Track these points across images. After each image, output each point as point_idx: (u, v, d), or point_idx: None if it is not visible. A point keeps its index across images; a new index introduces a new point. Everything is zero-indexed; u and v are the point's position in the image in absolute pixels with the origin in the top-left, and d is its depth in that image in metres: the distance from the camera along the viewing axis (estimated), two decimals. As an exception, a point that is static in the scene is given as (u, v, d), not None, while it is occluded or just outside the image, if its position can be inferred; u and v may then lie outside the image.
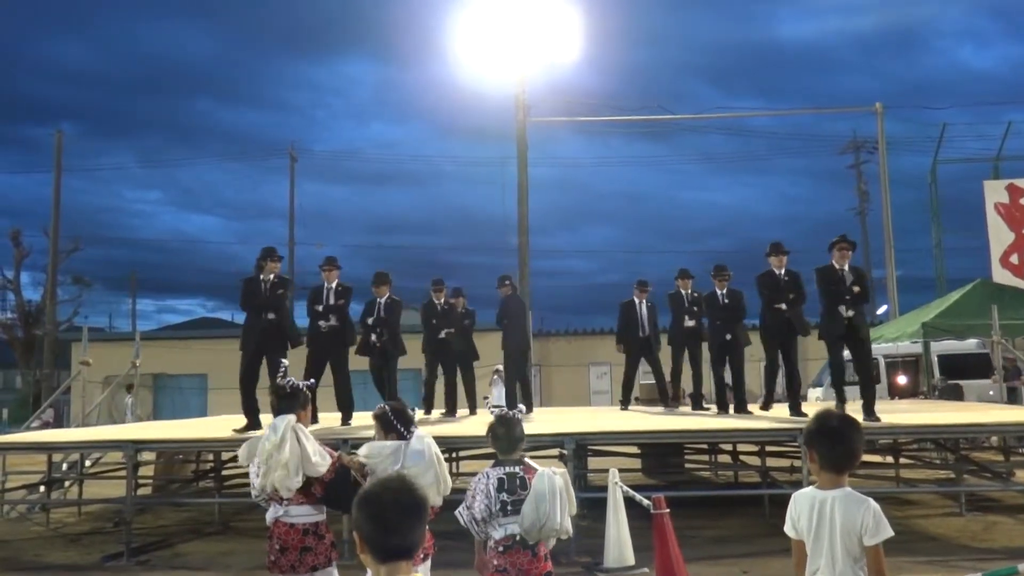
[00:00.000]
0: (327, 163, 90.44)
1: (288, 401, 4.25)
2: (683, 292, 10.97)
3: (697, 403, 11.06)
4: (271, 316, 8.58)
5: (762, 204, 77.95)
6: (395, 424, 4.12)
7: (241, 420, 8.94)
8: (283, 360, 4.72)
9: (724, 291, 10.12)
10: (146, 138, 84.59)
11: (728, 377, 10.32)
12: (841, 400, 8.65)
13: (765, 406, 10.03)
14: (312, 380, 5.39)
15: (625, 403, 11.98)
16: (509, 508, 3.75)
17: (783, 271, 9.20)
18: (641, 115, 25.38)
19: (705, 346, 10.65)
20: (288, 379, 4.35)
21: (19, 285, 34.42)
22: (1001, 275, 19.48)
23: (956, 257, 23.25)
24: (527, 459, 3.95)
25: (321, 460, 4.07)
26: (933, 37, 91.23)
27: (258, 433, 4.80)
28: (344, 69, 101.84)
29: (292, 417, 4.14)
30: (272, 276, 8.69)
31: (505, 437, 3.94)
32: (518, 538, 3.71)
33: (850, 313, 8.32)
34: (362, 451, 4.10)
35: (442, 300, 10.73)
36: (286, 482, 3.99)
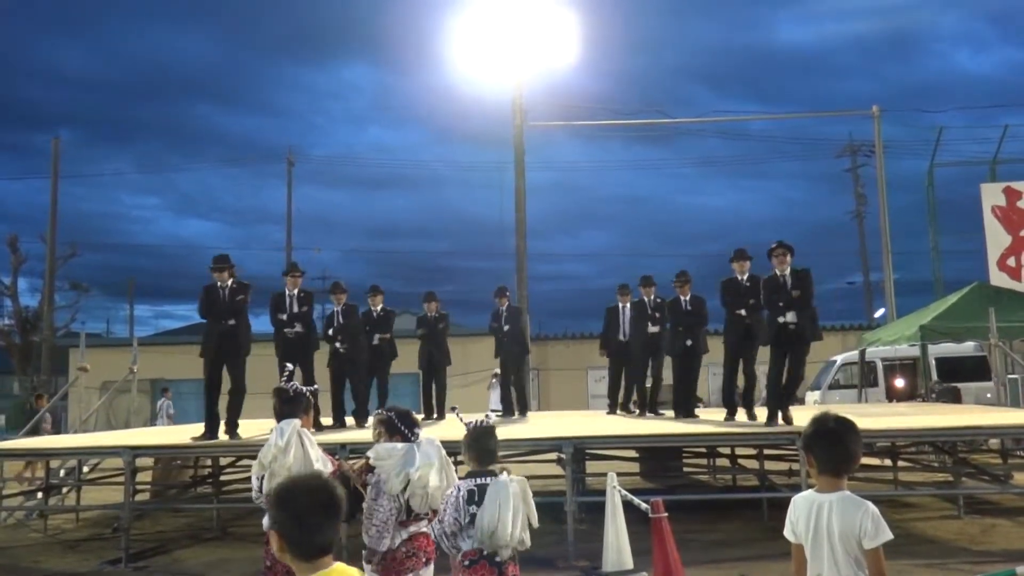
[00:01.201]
0: (325, 168, 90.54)
1: (291, 405, 4.25)
2: (645, 299, 11.03)
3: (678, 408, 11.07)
4: (231, 322, 8.58)
5: (760, 207, 78.12)
6: (400, 427, 4.12)
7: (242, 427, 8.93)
8: (288, 364, 4.74)
9: (687, 297, 10.23)
10: (144, 144, 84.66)
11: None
12: (776, 410, 8.68)
13: (730, 416, 9.74)
14: (316, 386, 5.39)
15: (612, 408, 12.10)
16: None
17: (745, 277, 9.25)
18: (639, 119, 25.44)
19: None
20: (292, 383, 4.37)
21: (16, 291, 34.37)
22: (998, 278, 19.49)
23: (953, 260, 23.27)
24: (501, 471, 3.85)
25: (323, 467, 4.08)
26: (930, 41, 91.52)
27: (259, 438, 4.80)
28: (342, 74, 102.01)
29: (297, 421, 4.15)
30: (231, 282, 8.65)
31: (479, 448, 3.82)
32: (484, 552, 3.62)
33: (791, 318, 8.32)
34: (371, 453, 4.10)
35: (379, 307, 10.65)
36: (288, 485, 3.99)
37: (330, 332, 9.89)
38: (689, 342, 10.14)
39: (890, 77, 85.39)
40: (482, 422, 3.90)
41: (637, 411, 11.71)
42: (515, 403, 11.78)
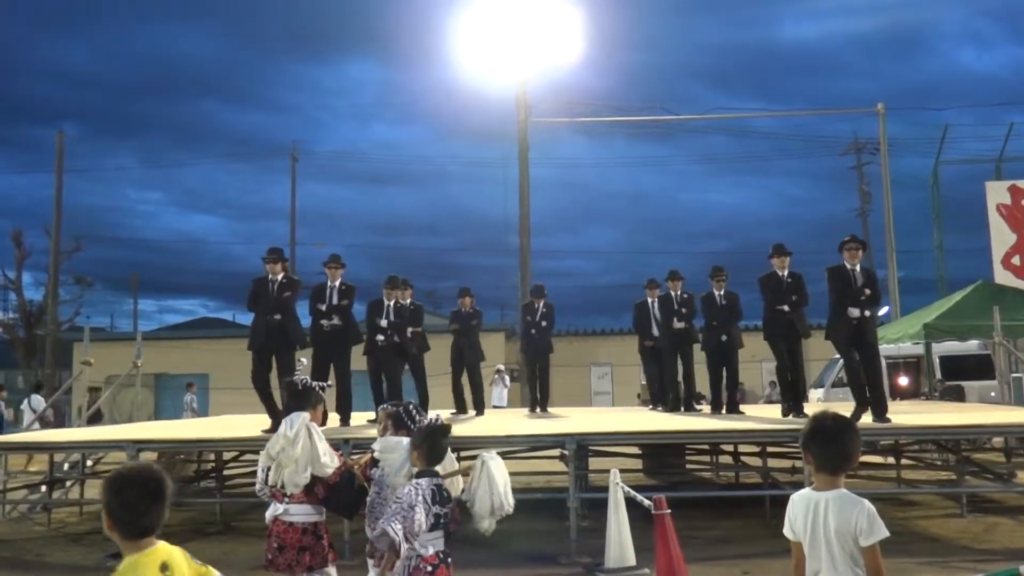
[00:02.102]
0: (329, 164, 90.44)
1: (299, 399, 4.27)
2: (672, 294, 10.95)
3: (688, 404, 11.05)
4: (277, 317, 8.55)
5: (764, 205, 77.93)
6: (407, 422, 4.14)
7: (242, 421, 8.95)
8: (302, 359, 4.76)
9: (721, 292, 10.17)
10: (149, 139, 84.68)
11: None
12: (862, 403, 8.27)
13: (791, 410, 9.29)
14: (330, 383, 5.41)
15: (654, 403, 12.09)
16: (442, 520, 3.61)
17: (786, 272, 9.20)
18: (643, 116, 25.39)
19: (697, 347, 10.69)
20: (302, 377, 4.38)
21: (21, 285, 34.42)
22: (1003, 276, 19.47)
23: (957, 258, 23.25)
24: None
25: (330, 461, 4.10)
26: (935, 39, 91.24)
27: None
28: (347, 70, 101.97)
29: (307, 415, 4.17)
30: (280, 276, 8.62)
31: (431, 447, 3.75)
32: (442, 555, 3.60)
33: (863, 314, 8.25)
34: (376, 446, 4.11)
35: (408, 301, 10.56)
36: (294, 478, 4.02)
37: (383, 324, 9.66)
38: (724, 337, 10.07)
39: (895, 75, 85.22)
40: (436, 420, 3.88)
41: (660, 407, 11.64)
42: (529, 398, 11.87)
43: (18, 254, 33.58)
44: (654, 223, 77.39)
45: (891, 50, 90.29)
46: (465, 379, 11.33)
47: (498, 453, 4.08)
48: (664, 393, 11.64)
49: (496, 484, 3.70)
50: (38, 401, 16.68)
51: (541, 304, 11.55)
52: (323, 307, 9.03)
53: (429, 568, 3.54)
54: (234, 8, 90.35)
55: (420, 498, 3.53)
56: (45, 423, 15.35)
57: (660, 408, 11.76)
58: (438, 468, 3.77)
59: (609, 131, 29.09)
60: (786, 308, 9.06)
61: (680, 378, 11.14)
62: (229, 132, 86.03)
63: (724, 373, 10.33)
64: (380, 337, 9.64)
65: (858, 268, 8.35)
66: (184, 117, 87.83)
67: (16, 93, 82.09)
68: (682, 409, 11.11)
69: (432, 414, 4.01)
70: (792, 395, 9.39)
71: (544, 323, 11.48)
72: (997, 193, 20.39)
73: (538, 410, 11.68)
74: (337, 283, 9.16)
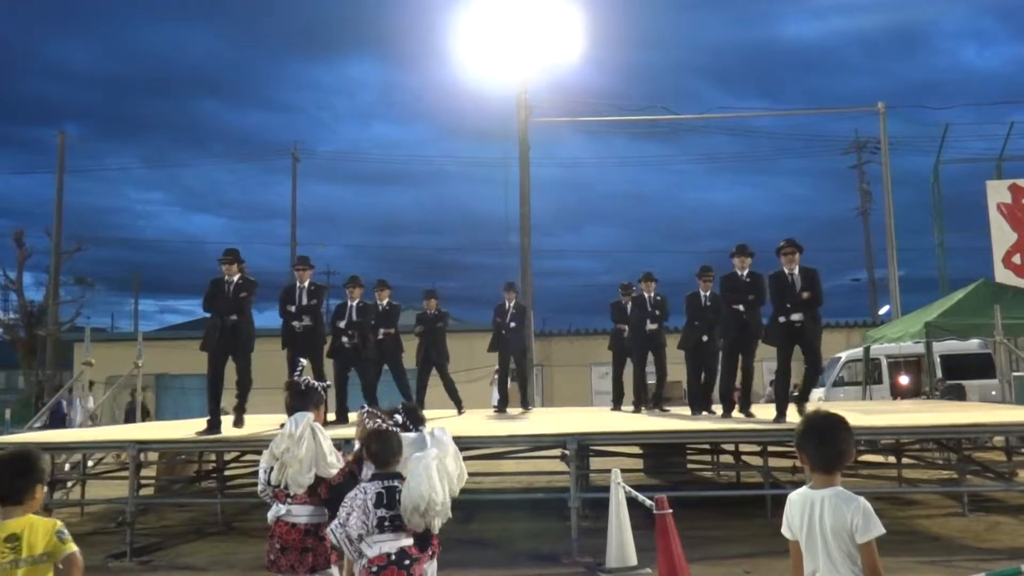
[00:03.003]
0: (330, 164, 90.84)
1: (301, 399, 4.27)
2: (646, 295, 10.98)
3: (698, 406, 11.02)
4: (233, 318, 8.55)
5: (765, 204, 78.07)
6: (407, 423, 4.14)
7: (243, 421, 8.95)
8: (301, 360, 4.76)
9: (707, 293, 10.17)
10: (150, 139, 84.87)
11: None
12: (783, 408, 8.62)
13: (727, 412, 9.64)
14: (328, 382, 5.42)
15: (635, 403, 12.08)
16: (387, 524, 3.58)
17: (745, 272, 9.23)
18: (644, 115, 25.35)
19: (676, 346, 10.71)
20: (303, 378, 4.38)
21: (22, 285, 34.48)
22: (1003, 275, 19.45)
23: (958, 257, 23.19)
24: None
25: (336, 461, 4.10)
26: (936, 37, 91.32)
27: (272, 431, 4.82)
28: (348, 70, 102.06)
29: (310, 415, 4.17)
30: (236, 278, 8.62)
31: (380, 452, 3.75)
32: (393, 557, 3.57)
33: (798, 317, 8.29)
34: None
35: (385, 301, 10.62)
36: (298, 478, 4.02)
37: (341, 325, 9.77)
38: (704, 338, 10.07)
39: (896, 73, 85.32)
40: (382, 424, 3.87)
41: (632, 408, 11.65)
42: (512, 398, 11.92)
43: (19, 254, 33.67)
44: (655, 222, 77.58)
45: (893, 48, 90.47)
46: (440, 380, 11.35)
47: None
48: (625, 393, 11.76)
49: (413, 485, 3.68)
50: (87, 401, 16.81)
51: (512, 304, 11.55)
52: (293, 308, 9.08)
53: (374, 569, 3.55)
54: (236, 8, 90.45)
55: (359, 502, 3.57)
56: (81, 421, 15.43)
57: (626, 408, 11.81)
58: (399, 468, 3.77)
59: (610, 130, 29.13)
60: (741, 308, 9.10)
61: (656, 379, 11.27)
62: (230, 132, 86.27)
63: (702, 373, 10.36)
64: (344, 339, 9.71)
65: (796, 272, 8.41)
66: (185, 117, 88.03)
67: (17, 93, 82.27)
68: (656, 409, 11.18)
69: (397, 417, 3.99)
70: (742, 395, 9.57)
71: (513, 324, 11.46)
72: (998, 192, 20.39)
73: (509, 410, 11.70)
74: (306, 284, 9.22)
